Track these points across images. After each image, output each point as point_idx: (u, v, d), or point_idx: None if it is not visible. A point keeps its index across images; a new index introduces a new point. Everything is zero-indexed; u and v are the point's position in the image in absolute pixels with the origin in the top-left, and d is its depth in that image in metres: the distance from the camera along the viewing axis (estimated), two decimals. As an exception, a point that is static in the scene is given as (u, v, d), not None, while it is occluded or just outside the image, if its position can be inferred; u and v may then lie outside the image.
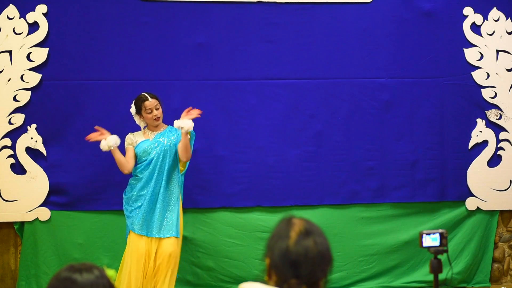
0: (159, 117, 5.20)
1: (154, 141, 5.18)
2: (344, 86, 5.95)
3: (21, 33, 5.65)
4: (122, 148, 5.25)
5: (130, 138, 5.24)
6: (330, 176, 5.91)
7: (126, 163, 5.14)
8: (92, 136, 5.16)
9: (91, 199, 5.73)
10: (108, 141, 5.08)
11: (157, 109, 5.18)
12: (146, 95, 5.19)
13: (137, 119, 5.28)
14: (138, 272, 5.00)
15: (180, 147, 5.14)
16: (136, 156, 5.21)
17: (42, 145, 5.67)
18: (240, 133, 5.85)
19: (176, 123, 5.12)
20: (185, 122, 5.07)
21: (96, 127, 5.17)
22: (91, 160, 5.72)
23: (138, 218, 5.08)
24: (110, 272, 1.98)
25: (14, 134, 5.65)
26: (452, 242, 5.91)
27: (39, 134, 5.66)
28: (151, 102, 5.16)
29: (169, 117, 5.81)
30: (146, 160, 5.16)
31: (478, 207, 6.01)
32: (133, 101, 5.26)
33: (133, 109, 5.27)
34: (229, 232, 5.83)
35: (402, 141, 5.98)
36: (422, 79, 6.00)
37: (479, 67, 6.02)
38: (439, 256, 3.39)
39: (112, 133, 5.75)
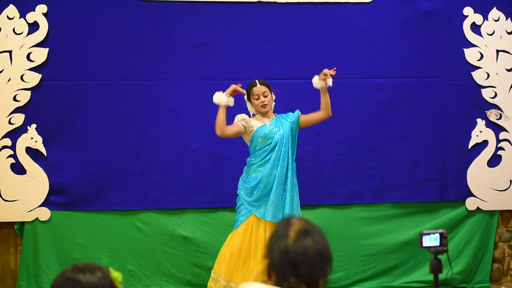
0: (266, 104, 4.98)
1: (272, 127, 4.97)
2: (344, 86, 5.95)
3: (21, 33, 5.65)
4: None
5: (244, 117, 4.99)
6: (330, 176, 5.91)
7: (225, 125, 4.89)
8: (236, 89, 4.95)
9: (91, 199, 5.73)
10: (230, 99, 4.91)
11: (265, 96, 4.98)
12: (256, 81, 5.03)
13: (248, 106, 5.08)
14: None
15: (326, 104, 4.98)
16: (251, 141, 4.98)
17: (42, 145, 5.67)
18: (240, 133, 5.85)
19: (320, 84, 4.94)
20: (331, 80, 4.94)
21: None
22: (91, 160, 5.73)
23: (268, 205, 4.86)
24: (115, 274, 1.98)
25: (14, 134, 5.66)
26: (452, 242, 5.91)
27: (39, 134, 5.67)
28: (259, 88, 4.99)
29: (169, 117, 5.82)
30: (270, 143, 4.93)
31: (478, 207, 6.01)
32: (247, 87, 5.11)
33: (245, 95, 5.08)
34: (229, 232, 5.81)
35: (402, 141, 5.99)
36: (422, 79, 6.01)
37: (479, 67, 6.03)
38: (439, 256, 3.39)
39: (112, 133, 5.77)
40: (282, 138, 4.94)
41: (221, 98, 4.89)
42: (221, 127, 4.87)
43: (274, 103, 5.07)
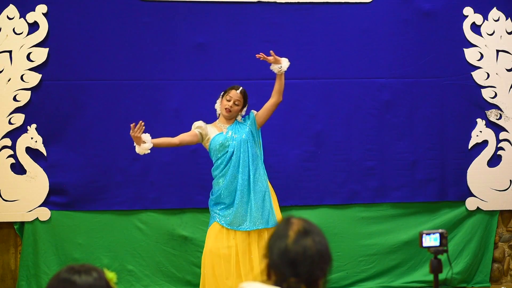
0: (230, 110, 5.03)
1: (229, 133, 5.02)
2: (344, 86, 5.95)
3: (21, 33, 5.65)
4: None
5: (201, 125, 5.07)
6: (330, 176, 5.91)
7: (170, 139, 5.00)
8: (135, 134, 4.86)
9: (91, 199, 5.73)
10: (144, 147, 4.87)
11: (236, 105, 5.04)
12: (240, 87, 5.08)
13: (218, 102, 5.13)
14: (221, 272, 4.90)
15: (277, 89, 5.01)
16: (210, 150, 5.06)
17: (42, 145, 5.67)
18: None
19: (274, 66, 4.98)
20: (285, 63, 4.97)
21: (132, 125, 4.86)
22: (91, 160, 5.72)
23: (231, 215, 4.94)
24: (110, 275, 1.98)
25: (14, 134, 5.65)
26: (452, 242, 5.91)
27: (39, 134, 5.67)
28: (236, 94, 5.05)
29: (169, 117, 5.82)
30: (226, 153, 4.99)
31: (478, 207, 6.01)
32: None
33: (222, 92, 5.14)
34: (229, 232, 5.82)
35: (402, 141, 5.98)
36: (422, 79, 6.01)
37: (479, 67, 6.03)
38: (439, 256, 3.39)
39: (112, 133, 5.77)
40: (239, 144, 5.01)
41: (141, 149, 4.89)
42: (172, 144, 5.04)
43: (240, 117, 5.14)
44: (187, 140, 5.07)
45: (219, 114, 5.16)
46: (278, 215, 5.08)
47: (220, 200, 5.02)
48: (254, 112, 5.14)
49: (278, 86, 5.04)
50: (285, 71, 5.04)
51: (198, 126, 5.08)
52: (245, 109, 5.15)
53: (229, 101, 5.05)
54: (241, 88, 5.10)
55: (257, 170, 5.01)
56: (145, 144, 4.86)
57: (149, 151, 4.91)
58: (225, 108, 5.05)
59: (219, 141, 5.02)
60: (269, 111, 5.11)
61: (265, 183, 5.04)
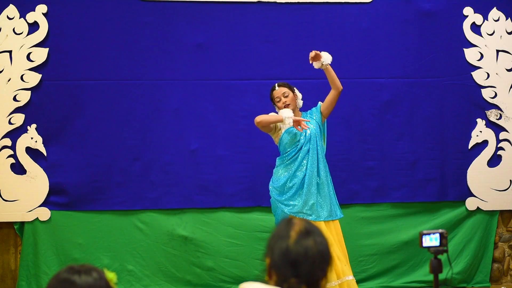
0: (288, 104, 4.99)
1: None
2: (344, 86, 5.93)
3: (21, 33, 5.65)
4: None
5: (289, 115, 4.97)
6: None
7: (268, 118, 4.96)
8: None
9: (91, 199, 5.73)
10: (289, 120, 4.84)
11: (285, 97, 5.00)
12: (276, 84, 5.07)
13: (277, 110, 5.09)
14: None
15: (331, 81, 4.99)
16: (281, 141, 5.02)
17: (42, 145, 5.67)
18: (240, 133, 5.85)
19: (316, 64, 4.96)
20: (326, 56, 4.94)
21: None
22: (91, 160, 5.72)
23: (300, 204, 4.88)
24: (110, 275, 1.98)
25: (14, 134, 5.66)
26: (452, 242, 5.91)
27: (39, 134, 5.67)
28: (277, 91, 5.03)
29: (169, 117, 5.82)
30: (297, 144, 4.96)
31: (478, 207, 6.01)
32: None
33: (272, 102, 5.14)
34: (229, 232, 5.83)
35: (402, 141, 5.98)
36: (422, 79, 6.01)
37: (479, 67, 6.03)
38: (439, 256, 3.39)
39: (112, 133, 5.77)
40: (310, 137, 4.98)
41: (288, 115, 4.86)
42: (261, 119, 4.93)
43: (301, 101, 5.10)
44: (270, 121, 4.98)
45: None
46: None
47: (285, 188, 4.95)
48: (320, 103, 5.11)
49: (330, 78, 5.02)
50: (329, 64, 4.96)
51: (286, 116, 4.97)
52: (297, 93, 5.07)
53: (279, 101, 5.03)
54: (276, 83, 5.07)
55: (323, 161, 5.01)
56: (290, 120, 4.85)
57: (285, 121, 4.86)
58: (284, 107, 4.99)
59: (292, 133, 4.98)
60: (331, 103, 5.07)
61: (329, 174, 5.03)
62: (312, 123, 5.04)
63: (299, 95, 5.11)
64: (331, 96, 5.07)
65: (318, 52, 4.95)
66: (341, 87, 5.04)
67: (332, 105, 5.08)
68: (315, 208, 4.88)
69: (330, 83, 5.04)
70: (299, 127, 4.87)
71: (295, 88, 5.10)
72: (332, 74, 5.01)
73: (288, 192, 4.93)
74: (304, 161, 4.96)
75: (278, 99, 5.02)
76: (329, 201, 4.95)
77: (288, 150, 4.99)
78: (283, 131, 5.01)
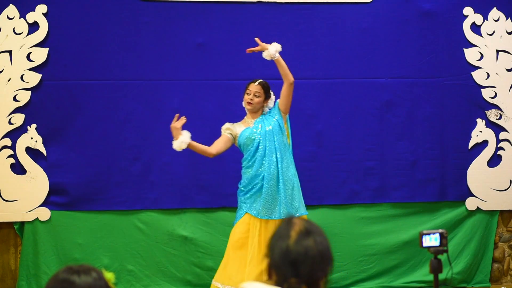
0: (251, 103, 4.98)
1: (254, 127, 4.99)
2: (344, 86, 5.95)
3: (21, 33, 5.65)
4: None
5: (228, 126, 5.03)
6: (330, 176, 5.91)
7: (207, 148, 4.95)
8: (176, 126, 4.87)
9: (91, 199, 5.73)
10: (181, 140, 4.84)
11: (256, 96, 4.98)
12: (257, 80, 5.03)
13: (244, 96, 5.08)
14: (242, 259, 4.83)
15: (282, 73, 4.95)
16: (240, 146, 5.04)
17: (42, 145, 5.67)
18: (240, 133, 5.85)
19: (265, 54, 4.95)
20: (271, 47, 4.93)
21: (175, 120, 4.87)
22: (91, 160, 5.72)
23: (259, 203, 4.89)
24: (108, 275, 1.98)
25: (14, 134, 5.65)
26: (452, 242, 5.91)
27: (39, 134, 5.67)
28: (254, 86, 5.00)
29: (169, 117, 5.81)
30: (252, 146, 4.96)
31: (478, 207, 6.01)
32: None
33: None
34: (229, 232, 5.80)
35: (402, 141, 5.98)
36: (422, 79, 6.01)
37: (479, 67, 6.03)
38: (439, 256, 3.39)
39: (112, 133, 5.77)
40: (265, 134, 4.95)
41: (178, 143, 4.85)
42: (206, 152, 4.95)
43: (266, 108, 5.07)
44: (223, 148, 5.00)
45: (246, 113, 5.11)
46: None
47: (247, 189, 4.96)
48: (278, 101, 5.08)
49: (281, 70, 4.97)
50: (279, 55, 4.93)
51: (226, 128, 5.03)
52: (270, 100, 5.06)
53: (249, 94, 5.01)
54: (259, 80, 5.04)
55: (284, 159, 4.96)
56: (182, 137, 4.81)
57: (185, 147, 4.83)
58: (247, 102, 5.01)
59: (245, 135, 4.98)
60: (286, 96, 5.00)
61: (293, 172, 5.00)
62: (267, 122, 4.99)
63: (270, 103, 5.07)
64: (284, 90, 5.00)
65: (265, 44, 4.93)
66: (292, 79, 4.95)
67: (287, 99, 5.00)
68: (274, 207, 4.87)
69: (282, 75, 4.97)
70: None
71: (272, 93, 5.07)
72: (282, 65, 4.94)
73: (249, 191, 4.94)
74: (263, 162, 4.94)
75: (249, 92, 5.01)
76: (294, 196, 4.92)
77: (246, 152, 4.99)
78: (238, 134, 5.00)
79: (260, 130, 4.97)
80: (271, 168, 4.91)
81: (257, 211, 4.89)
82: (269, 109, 5.09)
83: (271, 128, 4.97)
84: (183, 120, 4.85)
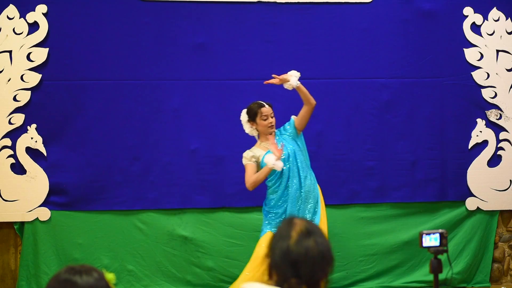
0: (273, 125, 5.03)
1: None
2: (344, 86, 5.95)
3: (21, 33, 5.65)
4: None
5: (251, 154, 5.01)
6: (330, 176, 5.91)
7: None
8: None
9: (91, 199, 5.73)
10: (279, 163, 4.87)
11: (272, 117, 5.02)
12: (264, 102, 5.05)
13: (247, 128, 5.10)
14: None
15: (304, 99, 4.97)
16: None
17: (42, 145, 5.67)
18: (240, 133, 5.84)
19: (287, 85, 4.96)
20: (292, 78, 4.94)
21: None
22: (91, 160, 5.72)
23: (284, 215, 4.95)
24: (109, 276, 1.98)
25: (14, 134, 5.65)
26: (452, 242, 5.90)
27: (39, 134, 5.67)
28: (267, 109, 5.01)
29: (169, 117, 5.82)
30: (276, 171, 4.96)
31: (478, 207, 6.01)
32: (245, 109, 5.09)
33: (244, 117, 5.08)
34: (229, 232, 5.83)
35: (402, 141, 5.98)
36: (422, 79, 6.01)
37: (479, 67, 6.03)
38: (439, 256, 3.39)
39: (112, 133, 5.78)
40: (288, 157, 4.99)
41: (273, 162, 4.85)
42: (255, 184, 4.98)
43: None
44: (256, 176, 4.99)
45: (258, 136, 5.11)
46: (324, 221, 5.07)
47: (273, 210, 5.02)
48: (293, 118, 5.10)
49: (303, 96, 5.01)
50: (298, 80, 4.97)
51: (251, 156, 5.01)
52: None
53: (265, 119, 5.01)
54: (263, 102, 5.06)
55: (307, 178, 5.02)
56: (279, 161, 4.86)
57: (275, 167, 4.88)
58: (269, 127, 5.01)
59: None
60: (305, 118, 5.07)
61: (316, 191, 5.06)
62: (287, 143, 5.02)
63: None
64: (305, 112, 5.05)
65: (283, 76, 4.97)
66: (315, 102, 5.03)
67: (306, 120, 5.08)
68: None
69: (303, 100, 5.02)
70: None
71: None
72: (303, 92, 5.00)
73: (275, 212, 5.00)
74: (288, 184, 4.98)
75: (265, 117, 5.01)
76: (312, 209, 4.99)
77: (271, 175, 5.00)
78: (260, 159, 5.00)
79: (284, 152, 4.98)
80: (295, 190, 4.97)
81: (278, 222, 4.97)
82: (282, 126, 5.13)
83: (291, 148, 5.02)
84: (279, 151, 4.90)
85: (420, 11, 5.98)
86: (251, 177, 4.98)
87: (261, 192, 5.81)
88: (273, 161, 4.86)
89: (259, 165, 5.03)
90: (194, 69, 5.83)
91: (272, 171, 4.97)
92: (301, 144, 5.11)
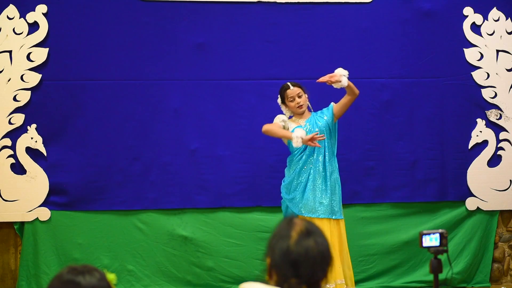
0: (302, 105, 5.04)
1: (307, 126, 5.03)
2: (344, 86, 5.94)
3: (21, 33, 5.65)
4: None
5: (282, 118, 5.07)
6: (330, 176, 5.90)
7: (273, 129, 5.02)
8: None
9: (91, 199, 5.73)
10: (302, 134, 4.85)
11: (299, 97, 5.04)
12: (289, 83, 5.08)
13: (283, 109, 5.14)
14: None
15: (349, 91, 4.98)
16: (289, 143, 5.05)
17: (42, 145, 5.67)
18: (240, 133, 5.85)
19: (337, 85, 4.95)
20: (343, 78, 4.92)
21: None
22: (91, 160, 5.72)
23: (303, 202, 4.95)
24: (110, 276, 1.98)
25: (14, 134, 5.65)
26: (452, 242, 5.90)
27: (39, 134, 5.67)
28: (292, 90, 5.04)
29: (169, 117, 5.82)
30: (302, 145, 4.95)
31: (478, 207, 6.01)
32: (279, 91, 5.15)
33: (279, 99, 5.15)
34: (229, 232, 5.83)
35: (402, 141, 5.98)
36: (422, 79, 6.01)
37: (479, 67, 6.03)
38: (439, 256, 3.39)
39: (112, 133, 5.77)
40: (315, 131, 4.97)
41: (299, 135, 4.84)
42: (268, 132, 5.02)
43: (309, 103, 5.14)
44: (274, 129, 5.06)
45: (290, 117, 5.15)
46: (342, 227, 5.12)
47: (291, 187, 5.02)
48: (333, 104, 5.12)
49: (349, 90, 5.00)
50: (344, 76, 4.96)
51: (282, 119, 5.07)
52: (306, 95, 5.11)
53: (292, 101, 5.05)
54: (289, 83, 5.10)
55: (330, 160, 5.03)
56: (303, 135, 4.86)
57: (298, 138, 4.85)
58: (297, 107, 5.05)
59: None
60: (345, 105, 5.09)
61: (337, 174, 5.07)
62: (320, 123, 5.04)
63: (307, 96, 5.14)
64: (347, 100, 5.08)
65: (335, 78, 4.93)
66: (358, 92, 5.07)
67: (346, 108, 5.11)
68: (317, 206, 4.91)
69: (348, 92, 5.05)
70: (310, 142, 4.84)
71: (305, 88, 5.12)
72: (351, 86, 5.01)
73: (294, 190, 5.00)
74: (310, 159, 5.00)
75: (292, 99, 5.05)
76: (334, 200, 4.99)
77: (295, 150, 5.03)
78: (290, 130, 5.03)
79: (310, 128, 5.02)
80: (317, 168, 4.98)
81: (300, 209, 4.96)
82: (313, 110, 5.15)
83: (321, 124, 5.04)
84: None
85: (420, 11, 5.98)
86: (270, 125, 5.04)
87: (261, 192, 5.82)
88: (298, 134, 4.85)
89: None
90: (194, 69, 5.83)
91: (289, 144, 4.99)
92: (333, 132, 5.12)
